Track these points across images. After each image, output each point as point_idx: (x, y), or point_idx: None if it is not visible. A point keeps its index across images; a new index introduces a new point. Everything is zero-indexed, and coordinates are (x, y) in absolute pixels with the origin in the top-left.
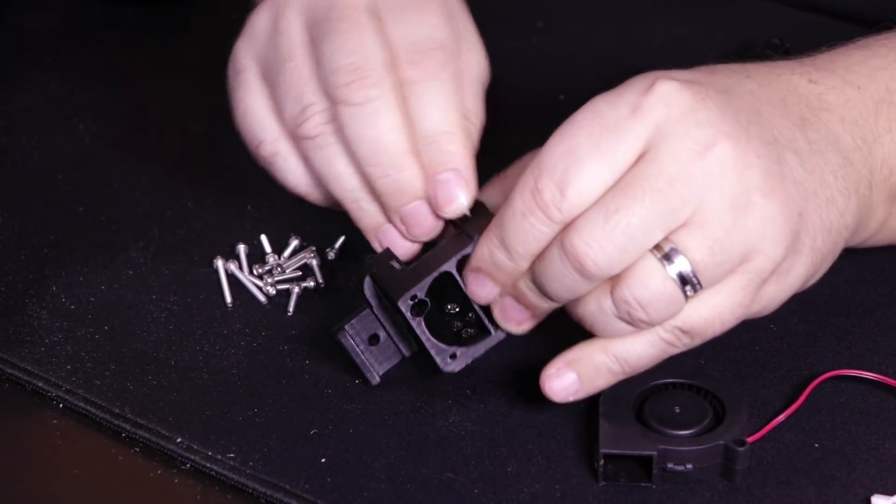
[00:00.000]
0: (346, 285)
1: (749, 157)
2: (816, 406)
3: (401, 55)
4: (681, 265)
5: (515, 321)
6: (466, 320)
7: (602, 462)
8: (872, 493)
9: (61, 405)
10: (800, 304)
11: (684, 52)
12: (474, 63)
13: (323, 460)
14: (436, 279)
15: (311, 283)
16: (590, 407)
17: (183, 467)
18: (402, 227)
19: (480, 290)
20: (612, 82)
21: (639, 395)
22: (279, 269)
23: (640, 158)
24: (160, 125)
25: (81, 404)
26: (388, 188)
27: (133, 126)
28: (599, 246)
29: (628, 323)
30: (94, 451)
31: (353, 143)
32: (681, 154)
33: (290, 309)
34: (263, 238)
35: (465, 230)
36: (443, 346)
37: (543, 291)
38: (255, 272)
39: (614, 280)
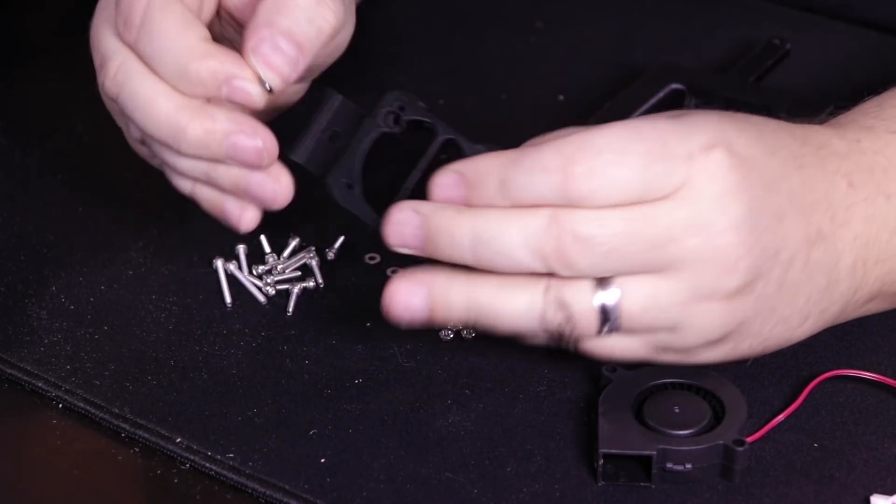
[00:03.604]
0: (346, 285)
1: (741, 262)
2: (816, 406)
3: (119, 27)
4: (610, 303)
5: (404, 239)
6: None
7: (601, 462)
8: (872, 493)
9: (61, 405)
10: None
11: (684, 52)
12: None
13: (322, 460)
14: (421, 122)
15: (311, 283)
16: (589, 407)
17: (182, 467)
18: (236, 162)
19: (450, 190)
20: (612, 82)
21: (638, 394)
22: (278, 268)
23: (663, 205)
24: None
25: (81, 404)
26: (196, 147)
27: None
28: (576, 229)
29: (545, 328)
30: (93, 451)
31: (145, 133)
32: (694, 226)
33: (290, 309)
34: (263, 238)
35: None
36: (357, 168)
37: (483, 239)
38: (254, 272)
39: (552, 281)
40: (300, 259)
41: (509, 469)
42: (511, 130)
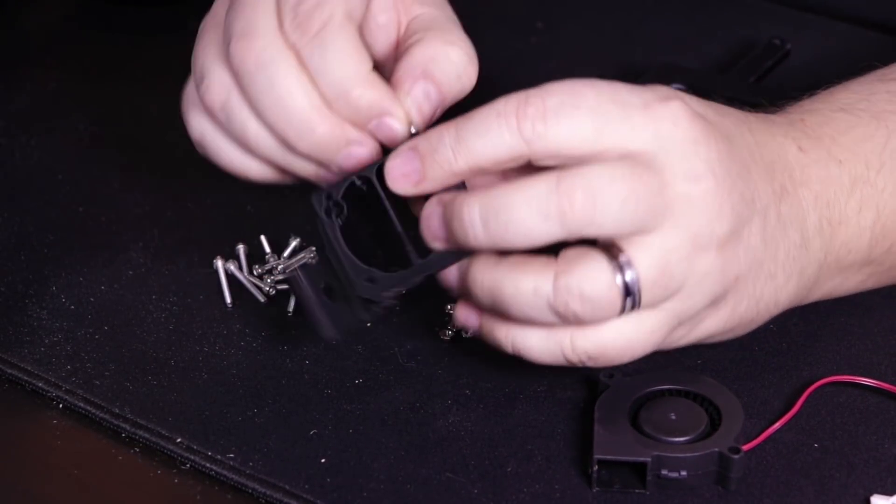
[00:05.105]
0: None
1: (725, 206)
2: (816, 407)
3: (286, 20)
4: (629, 276)
5: (435, 234)
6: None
7: (596, 468)
8: (872, 494)
9: (61, 405)
10: None
11: (684, 52)
12: None
13: (323, 460)
14: (351, 186)
15: None
16: (587, 410)
17: (183, 467)
18: (342, 169)
19: (404, 166)
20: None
21: (634, 401)
22: (279, 269)
23: (640, 156)
24: (160, 125)
25: (81, 404)
26: (311, 149)
27: (133, 126)
28: (585, 183)
29: (559, 314)
30: (93, 451)
31: (260, 111)
32: (677, 171)
33: (290, 309)
34: (263, 238)
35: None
36: (361, 264)
37: (491, 213)
38: (254, 272)
39: (560, 268)
40: (300, 259)
41: (509, 469)
42: None
